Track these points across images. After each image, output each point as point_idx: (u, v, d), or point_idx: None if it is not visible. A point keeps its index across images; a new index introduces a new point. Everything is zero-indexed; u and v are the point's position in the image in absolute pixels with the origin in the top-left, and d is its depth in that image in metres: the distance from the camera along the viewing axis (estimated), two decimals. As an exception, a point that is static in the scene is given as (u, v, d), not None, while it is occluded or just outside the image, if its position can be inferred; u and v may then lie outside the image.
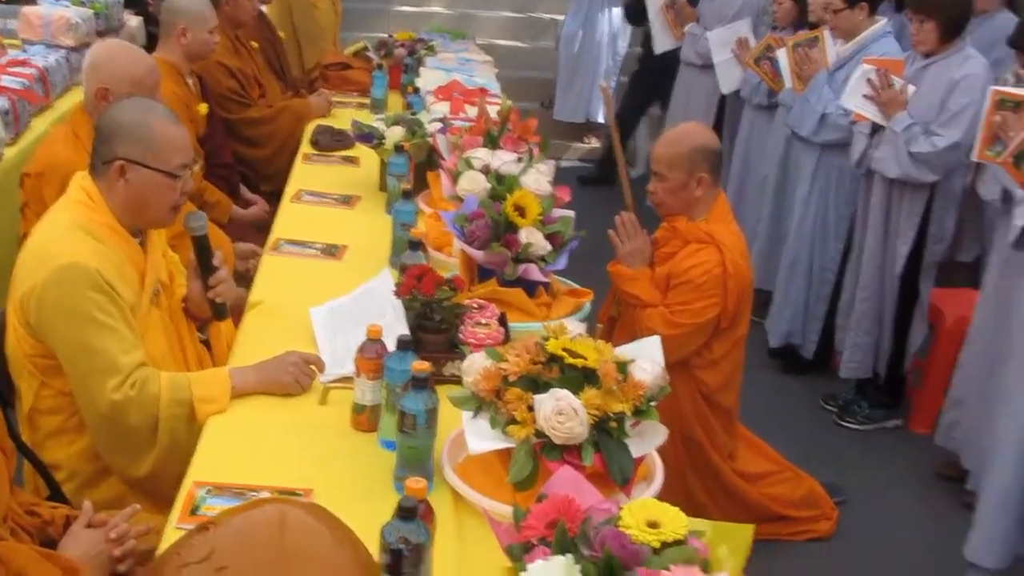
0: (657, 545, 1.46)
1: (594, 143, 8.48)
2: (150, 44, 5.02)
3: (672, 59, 6.70)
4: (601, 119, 8.16)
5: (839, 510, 3.85)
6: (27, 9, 4.86)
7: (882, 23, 4.68)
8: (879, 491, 4.16)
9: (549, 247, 2.84)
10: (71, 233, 2.38)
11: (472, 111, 4.17)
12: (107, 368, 2.30)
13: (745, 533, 1.53)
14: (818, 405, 4.79)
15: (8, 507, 2.05)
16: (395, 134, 3.80)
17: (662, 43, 6.76)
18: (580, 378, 1.95)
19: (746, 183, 5.78)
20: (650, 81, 7.33)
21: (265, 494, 2.01)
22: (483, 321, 2.50)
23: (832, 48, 4.76)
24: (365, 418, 2.30)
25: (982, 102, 3.66)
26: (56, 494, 2.39)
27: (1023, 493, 3.29)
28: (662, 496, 1.94)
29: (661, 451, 3.30)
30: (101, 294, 2.32)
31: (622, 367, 1.98)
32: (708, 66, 6.03)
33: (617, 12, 8.05)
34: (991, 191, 3.65)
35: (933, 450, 4.25)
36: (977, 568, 3.42)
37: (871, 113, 4.22)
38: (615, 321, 3.47)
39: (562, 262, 2.88)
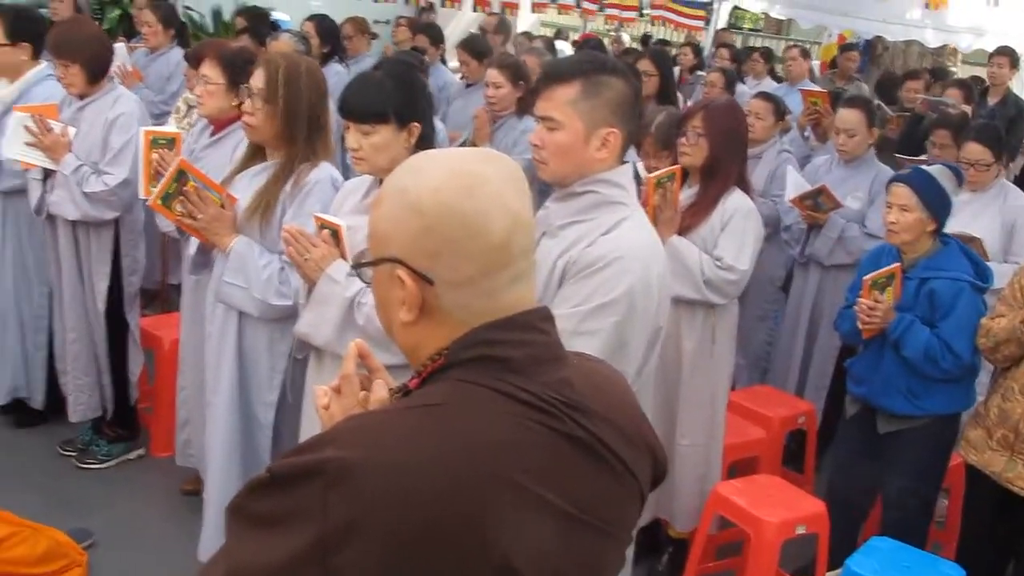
0: None
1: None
2: None
3: None
4: None
5: (89, 553, 3.84)
6: None
7: (43, 66, 4.60)
8: (131, 521, 4.24)
9: None
10: None
11: None
12: None
13: None
14: (57, 454, 4.70)
15: None
16: None
17: None
18: None
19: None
20: None
21: None
22: None
23: (-1, 94, 4.61)
24: None
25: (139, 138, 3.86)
26: None
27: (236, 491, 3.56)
28: None
29: None
30: None
31: None
32: None
33: None
34: (166, 225, 3.88)
35: (177, 470, 4.39)
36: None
37: (37, 159, 4.15)
38: None
39: None
